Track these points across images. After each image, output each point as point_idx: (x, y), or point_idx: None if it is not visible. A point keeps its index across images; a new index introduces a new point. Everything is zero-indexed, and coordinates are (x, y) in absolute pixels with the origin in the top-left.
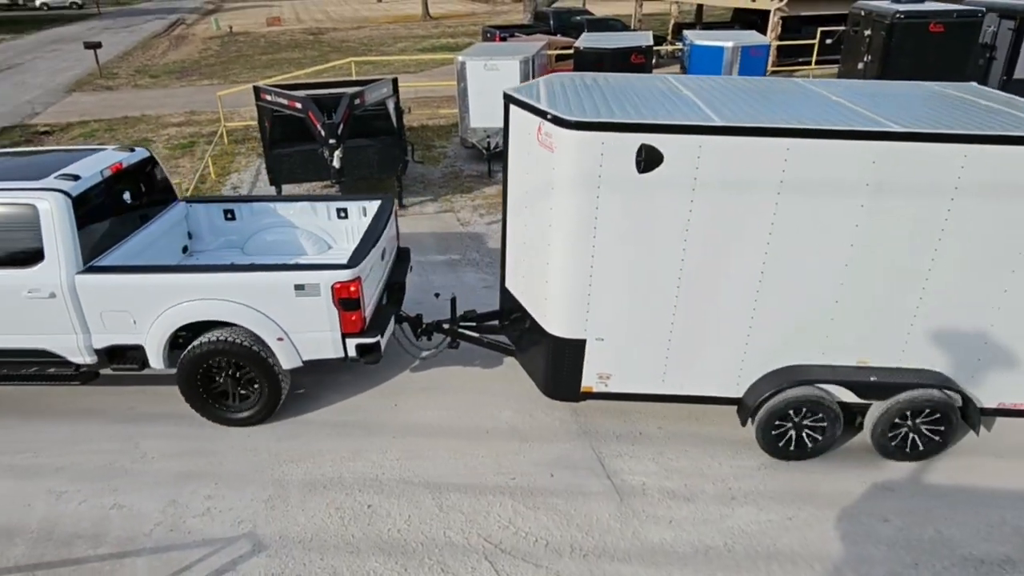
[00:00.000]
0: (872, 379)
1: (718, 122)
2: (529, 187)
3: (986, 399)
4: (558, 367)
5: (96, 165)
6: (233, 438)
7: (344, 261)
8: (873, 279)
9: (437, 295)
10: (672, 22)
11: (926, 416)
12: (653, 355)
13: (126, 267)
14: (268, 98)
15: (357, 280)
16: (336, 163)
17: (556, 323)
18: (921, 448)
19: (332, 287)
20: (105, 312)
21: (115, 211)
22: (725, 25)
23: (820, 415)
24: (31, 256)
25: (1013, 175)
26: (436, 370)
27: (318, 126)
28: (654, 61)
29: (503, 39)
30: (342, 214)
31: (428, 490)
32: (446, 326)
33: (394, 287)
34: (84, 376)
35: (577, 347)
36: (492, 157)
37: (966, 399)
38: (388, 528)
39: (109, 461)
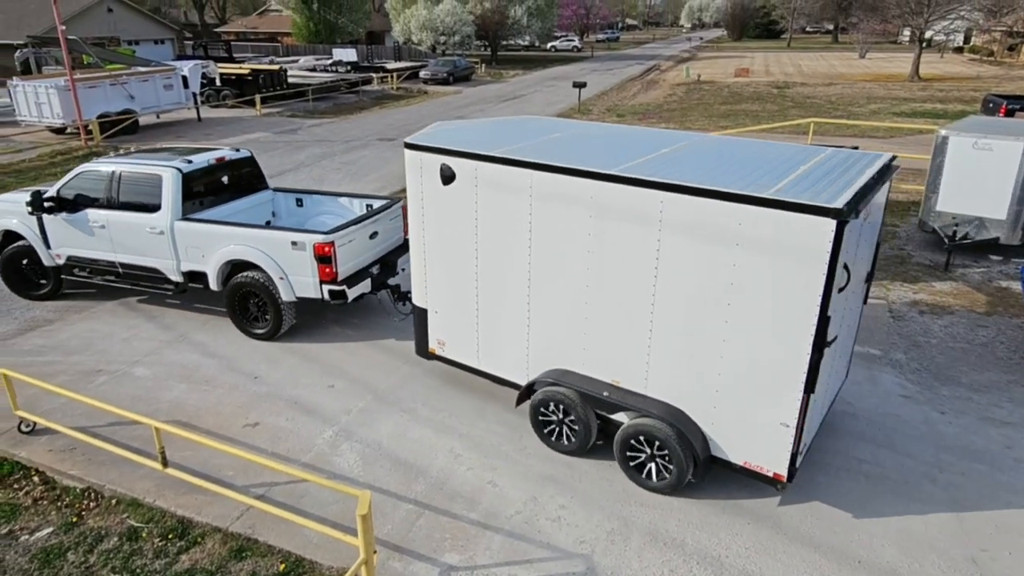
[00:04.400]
0: (604, 394)
1: (487, 151)
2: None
3: (732, 453)
4: (417, 329)
5: (208, 156)
6: (594, 462)
7: (325, 233)
8: (608, 305)
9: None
10: None
11: (658, 448)
12: (469, 334)
13: (200, 219)
14: None
15: (331, 244)
16: None
17: (414, 294)
18: (663, 480)
19: (313, 245)
20: (188, 247)
21: (215, 187)
22: None
23: (573, 416)
24: (155, 206)
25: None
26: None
27: None
28: None
29: (1010, 112)
30: (369, 207)
31: None
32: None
33: (387, 263)
34: (177, 289)
35: (423, 314)
36: (954, 248)
37: (699, 441)
38: None
39: (497, 443)
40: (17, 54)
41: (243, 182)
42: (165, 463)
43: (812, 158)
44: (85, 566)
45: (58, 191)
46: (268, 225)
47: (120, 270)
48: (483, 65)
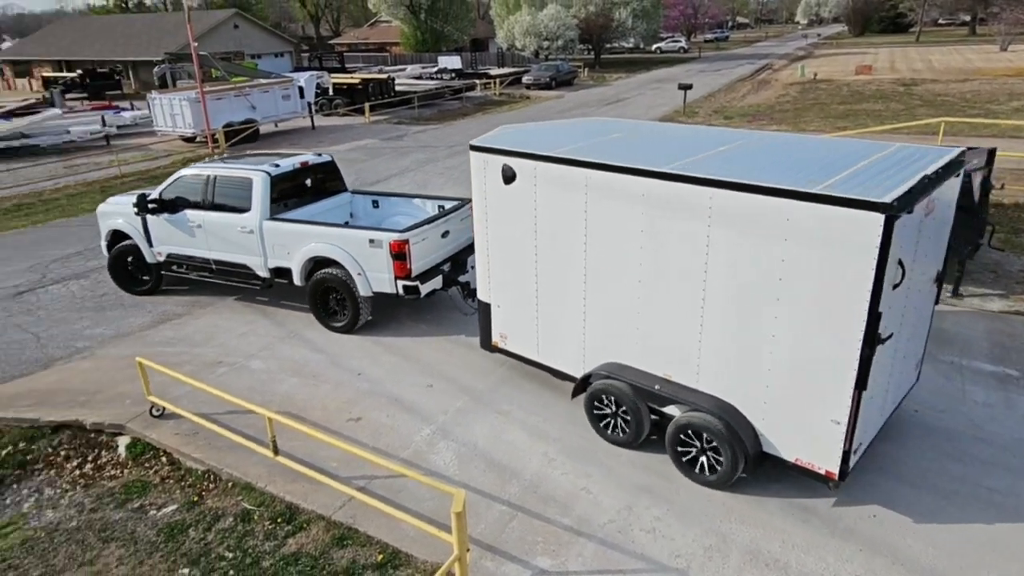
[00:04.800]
0: (655, 388)
1: (546, 152)
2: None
3: (784, 449)
4: (481, 323)
5: (294, 160)
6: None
7: (400, 231)
8: (661, 299)
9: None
10: None
11: (708, 441)
12: (529, 327)
13: (286, 219)
14: None
15: (405, 242)
16: None
17: (479, 289)
18: (713, 475)
19: (389, 243)
20: (275, 245)
21: (298, 189)
22: None
23: (625, 408)
24: (245, 207)
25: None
26: None
27: None
28: None
29: None
30: (441, 208)
31: None
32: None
33: (457, 261)
34: (264, 284)
35: (486, 308)
36: None
37: (750, 436)
38: None
39: (591, 450)
40: (156, 69)
41: (324, 185)
42: (276, 451)
43: (876, 153)
44: (204, 543)
45: (160, 193)
46: (346, 225)
47: (213, 266)
48: (586, 69)
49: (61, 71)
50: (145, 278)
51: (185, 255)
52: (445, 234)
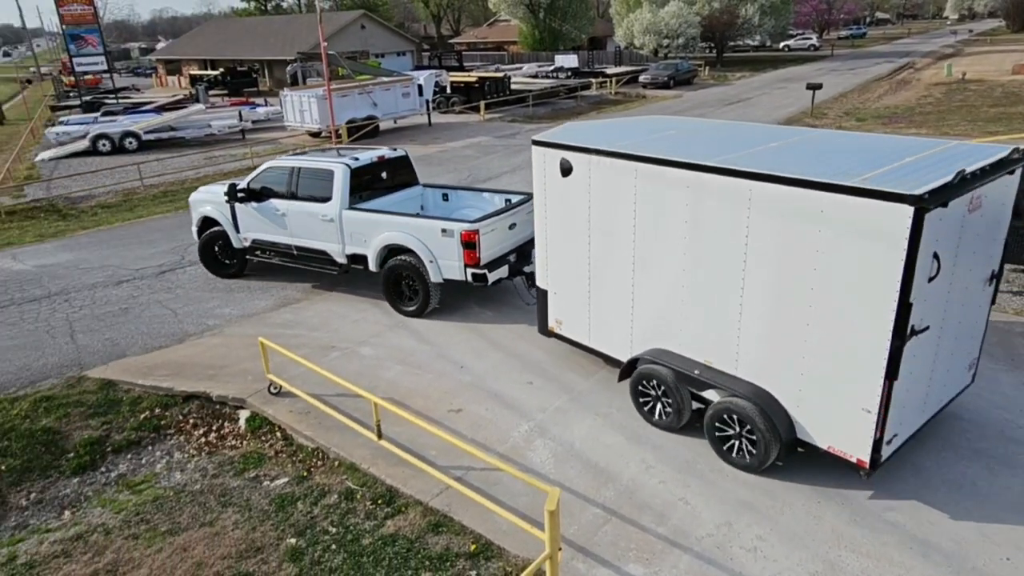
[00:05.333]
0: (695, 373)
1: (600, 146)
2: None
3: (817, 436)
4: (539, 309)
5: (372, 154)
6: (803, 494)
7: (471, 222)
8: (703, 288)
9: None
10: None
11: (744, 426)
12: (582, 313)
13: (365, 209)
14: None
15: (476, 232)
16: None
17: (537, 276)
18: (747, 459)
19: (460, 233)
20: (353, 233)
21: (375, 181)
22: None
23: (667, 391)
24: (326, 197)
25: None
26: None
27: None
28: None
29: None
30: (508, 201)
31: None
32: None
33: (522, 252)
34: (341, 269)
35: (544, 295)
36: None
37: (784, 422)
38: None
39: (692, 460)
40: (288, 68)
41: (399, 177)
42: (380, 435)
43: (928, 150)
44: (310, 516)
45: (248, 183)
46: (419, 215)
47: (295, 252)
48: (706, 68)
49: (206, 69)
50: (230, 262)
51: (269, 241)
52: (512, 226)
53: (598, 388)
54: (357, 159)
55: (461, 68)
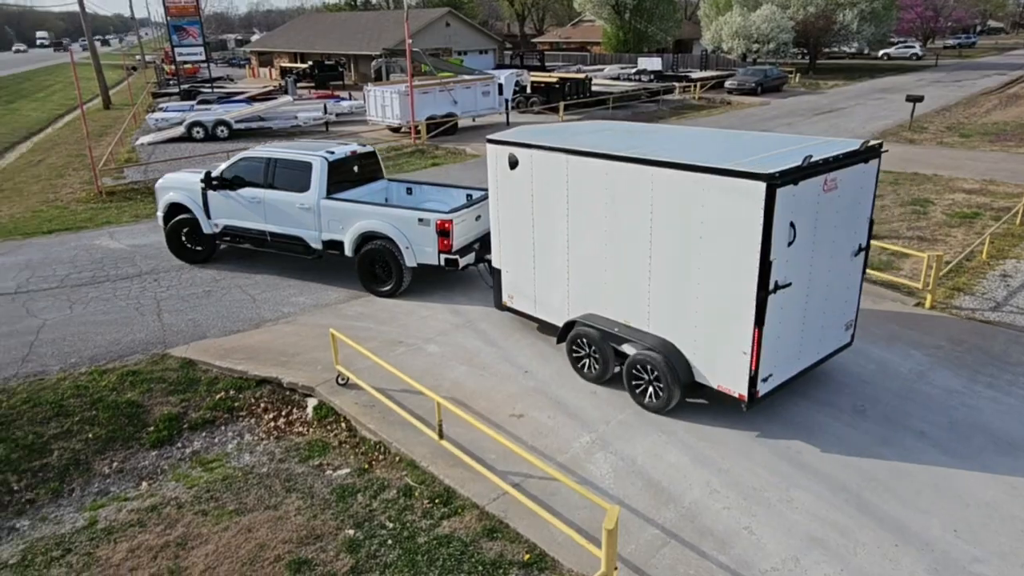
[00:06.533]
0: (615, 331)
1: (540, 143)
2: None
3: (711, 377)
4: (495, 287)
5: (346, 149)
6: (878, 535)
7: (445, 212)
8: (620, 258)
9: None
10: None
11: (653, 373)
12: (528, 288)
13: (342, 198)
14: None
15: (449, 221)
16: None
17: (493, 258)
18: (655, 401)
19: (436, 222)
20: (330, 220)
21: (347, 174)
22: None
23: (596, 349)
24: (304, 187)
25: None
26: None
27: None
28: None
29: None
30: (469, 196)
31: None
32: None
33: (485, 241)
34: (316, 256)
35: (498, 274)
36: None
37: (684, 368)
38: None
39: (760, 487)
40: (373, 63)
41: (366, 172)
42: (441, 435)
43: (801, 144)
44: (368, 509)
45: (221, 172)
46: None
47: (269, 238)
48: (797, 74)
49: (296, 62)
50: (198, 248)
51: (242, 227)
52: (478, 217)
53: None
54: (333, 152)
55: (542, 68)
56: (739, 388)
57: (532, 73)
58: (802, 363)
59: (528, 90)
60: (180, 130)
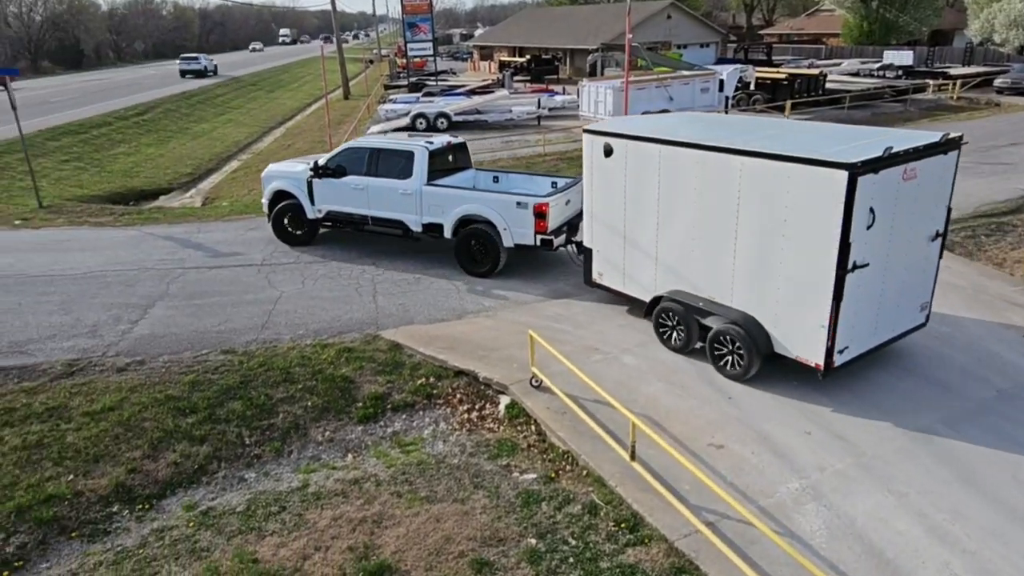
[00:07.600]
0: (700, 305)
1: (633, 132)
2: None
3: (791, 348)
4: (584, 264)
5: (443, 139)
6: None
7: (543, 196)
8: (707, 239)
9: None
10: None
11: (736, 345)
12: (618, 266)
13: (441, 184)
14: None
15: (546, 204)
16: None
17: (584, 238)
18: (736, 370)
19: (533, 205)
20: (431, 205)
21: (442, 163)
22: None
23: (680, 322)
24: (407, 174)
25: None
26: None
27: None
28: None
29: None
30: (554, 184)
31: None
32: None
33: (573, 225)
34: (412, 237)
35: (589, 253)
36: None
37: (764, 340)
38: None
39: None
40: (589, 57)
41: (459, 161)
42: (633, 456)
43: (887, 135)
44: (552, 521)
45: (327, 161)
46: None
47: (370, 222)
48: None
49: (514, 56)
50: (299, 232)
51: (344, 212)
52: (568, 202)
53: (896, 458)
54: (431, 143)
55: (769, 62)
56: (816, 358)
57: (758, 68)
58: (877, 338)
59: (752, 86)
60: (406, 121)
